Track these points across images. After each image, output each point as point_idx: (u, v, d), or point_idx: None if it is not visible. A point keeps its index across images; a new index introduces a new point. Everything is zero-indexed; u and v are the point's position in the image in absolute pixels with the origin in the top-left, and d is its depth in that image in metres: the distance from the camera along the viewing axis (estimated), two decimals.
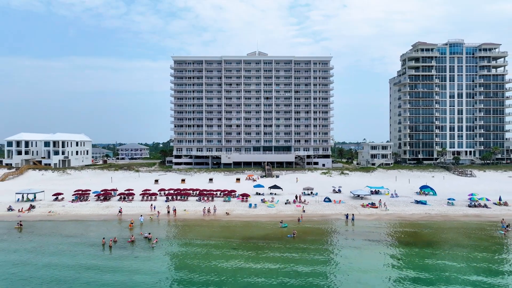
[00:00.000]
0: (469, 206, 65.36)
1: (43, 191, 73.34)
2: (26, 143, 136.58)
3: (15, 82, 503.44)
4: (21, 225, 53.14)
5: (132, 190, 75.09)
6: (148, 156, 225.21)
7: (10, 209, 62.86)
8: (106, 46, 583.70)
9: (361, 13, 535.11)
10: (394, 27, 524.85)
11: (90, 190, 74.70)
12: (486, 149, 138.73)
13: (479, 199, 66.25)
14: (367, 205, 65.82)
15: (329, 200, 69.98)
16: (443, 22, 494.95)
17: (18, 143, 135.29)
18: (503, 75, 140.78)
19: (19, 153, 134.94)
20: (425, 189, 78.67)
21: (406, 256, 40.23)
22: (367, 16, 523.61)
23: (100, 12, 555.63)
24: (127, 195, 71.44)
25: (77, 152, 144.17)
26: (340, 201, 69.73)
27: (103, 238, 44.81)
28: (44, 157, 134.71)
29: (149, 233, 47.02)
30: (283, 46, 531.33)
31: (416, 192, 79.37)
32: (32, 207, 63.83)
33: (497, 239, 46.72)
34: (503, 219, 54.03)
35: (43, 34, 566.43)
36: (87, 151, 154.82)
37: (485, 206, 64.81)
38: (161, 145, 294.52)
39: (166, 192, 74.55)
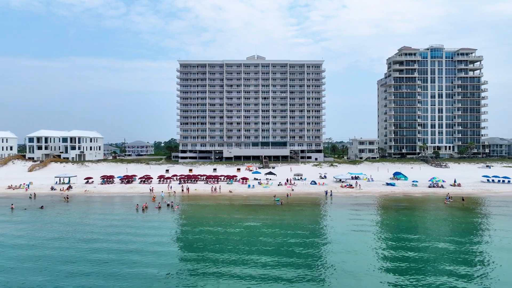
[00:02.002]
0: (429, 186, 79.46)
1: (76, 176, 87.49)
2: (46, 139, 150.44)
3: (15, 82, 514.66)
4: (67, 198, 67.15)
5: (150, 175, 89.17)
6: (153, 153, 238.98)
7: (53, 188, 76.95)
8: (106, 47, 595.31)
9: (360, 14, 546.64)
10: (394, 27, 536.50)
11: (114, 176, 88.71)
12: (464, 144, 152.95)
13: (437, 181, 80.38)
14: (345, 186, 79.95)
15: (315, 183, 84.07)
16: (443, 23, 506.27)
17: (39, 139, 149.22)
18: (479, 77, 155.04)
19: (40, 148, 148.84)
20: (397, 175, 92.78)
21: (366, 212, 54.15)
22: (366, 17, 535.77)
23: (100, 12, 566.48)
24: (146, 179, 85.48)
25: (91, 148, 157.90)
26: (323, 183, 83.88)
27: (137, 204, 58.84)
28: (62, 152, 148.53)
29: (171, 201, 61.07)
30: (283, 47, 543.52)
31: (390, 178, 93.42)
32: (70, 187, 77.86)
33: (438, 206, 60.71)
34: (448, 193, 68.25)
35: (43, 35, 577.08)
36: (100, 147, 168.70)
37: (442, 186, 78.92)
38: (162, 144, 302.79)
39: (179, 176, 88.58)
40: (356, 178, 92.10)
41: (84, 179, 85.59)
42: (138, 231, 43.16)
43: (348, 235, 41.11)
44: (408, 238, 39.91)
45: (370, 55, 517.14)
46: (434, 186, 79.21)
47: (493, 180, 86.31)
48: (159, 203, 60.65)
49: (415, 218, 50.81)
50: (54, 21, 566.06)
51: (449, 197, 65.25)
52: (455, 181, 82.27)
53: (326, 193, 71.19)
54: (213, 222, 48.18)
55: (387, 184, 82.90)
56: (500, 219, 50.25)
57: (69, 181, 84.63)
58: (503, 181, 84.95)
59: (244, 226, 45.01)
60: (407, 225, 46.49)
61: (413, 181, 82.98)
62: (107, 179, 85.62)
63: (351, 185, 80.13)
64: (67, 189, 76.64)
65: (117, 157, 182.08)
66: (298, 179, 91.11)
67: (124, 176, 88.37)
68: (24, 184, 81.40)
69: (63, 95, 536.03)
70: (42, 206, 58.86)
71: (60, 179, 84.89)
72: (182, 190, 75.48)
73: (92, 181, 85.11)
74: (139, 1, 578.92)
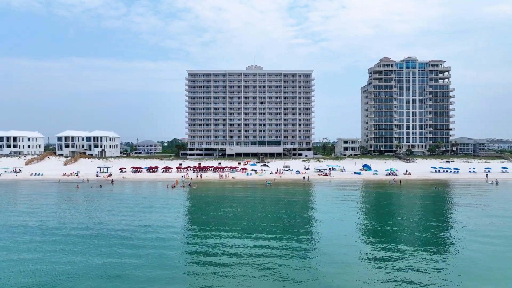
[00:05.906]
0: (386, 175, 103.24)
1: (112, 167, 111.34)
2: (72, 138, 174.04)
3: (14, 83, 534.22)
4: (112, 181, 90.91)
5: (169, 166, 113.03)
6: (161, 151, 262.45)
7: (97, 175, 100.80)
8: (106, 47, 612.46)
9: (360, 14, 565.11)
10: (393, 28, 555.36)
11: (141, 167, 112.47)
12: (434, 143, 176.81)
13: (392, 171, 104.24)
14: (320, 174, 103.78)
15: (299, 172, 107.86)
16: (442, 23, 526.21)
17: (66, 138, 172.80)
18: (447, 85, 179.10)
19: (67, 146, 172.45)
20: (365, 166, 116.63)
21: (330, 187, 77.85)
22: (366, 17, 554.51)
23: (100, 13, 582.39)
24: (167, 169, 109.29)
25: (110, 146, 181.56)
26: (305, 172, 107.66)
27: (167, 183, 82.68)
28: (86, 149, 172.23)
29: (191, 183, 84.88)
30: (282, 47, 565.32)
31: (360, 169, 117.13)
32: (110, 174, 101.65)
33: (383, 186, 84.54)
34: (394, 178, 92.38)
35: (43, 35, 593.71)
36: (117, 145, 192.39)
37: (396, 174, 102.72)
38: (165, 144, 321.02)
39: (192, 167, 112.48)
40: (332, 169, 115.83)
41: (119, 169, 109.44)
42: (173, 197, 66.88)
43: (314, 195, 65.06)
44: (353, 193, 63.82)
45: (370, 55, 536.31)
46: (389, 174, 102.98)
47: (438, 171, 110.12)
48: (183, 182, 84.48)
49: (364, 189, 74.75)
50: (54, 21, 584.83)
51: (394, 181, 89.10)
52: (406, 171, 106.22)
53: (304, 178, 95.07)
54: (222, 192, 72.23)
55: (354, 173, 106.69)
56: (412, 191, 74.67)
57: (107, 170, 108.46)
58: (446, 171, 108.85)
59: (243, 192, 68.94)
60: (357, 192, 70.48)
61: (374, 171, 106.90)
62: (137, 169, 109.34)
63: (326, 174, 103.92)
64: (109, 175, 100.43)
65: (130, 155, 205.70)
66: (286, 170, 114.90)
67: (149, 167, 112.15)
68: (73, 172, 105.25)
69: (64, 96, 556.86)
70: (101, 185, 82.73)
71: (100, 169, 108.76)
72: (197, 176, 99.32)
73: (125, 171, 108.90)
74: (139, 2, 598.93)
